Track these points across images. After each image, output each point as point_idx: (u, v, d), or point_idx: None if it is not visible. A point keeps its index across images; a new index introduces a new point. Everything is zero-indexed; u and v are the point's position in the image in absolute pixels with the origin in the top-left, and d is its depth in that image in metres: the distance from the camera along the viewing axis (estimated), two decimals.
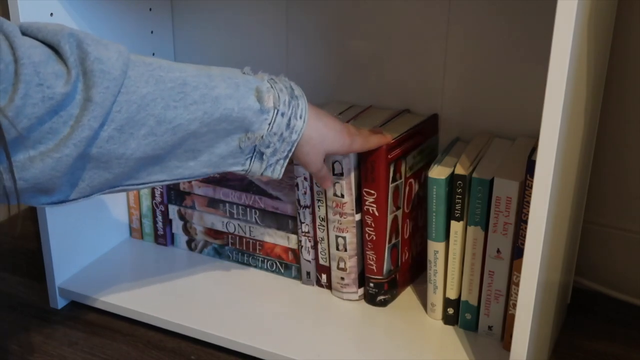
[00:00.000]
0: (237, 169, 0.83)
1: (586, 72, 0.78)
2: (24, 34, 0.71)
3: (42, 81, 0.68)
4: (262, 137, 0.81)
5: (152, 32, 1.16)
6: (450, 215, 0.91)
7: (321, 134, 0.85)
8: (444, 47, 1.03)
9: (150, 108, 0.75)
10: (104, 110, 0.71)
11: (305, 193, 0.99)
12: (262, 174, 0.84)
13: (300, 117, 0.82)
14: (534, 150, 0.86)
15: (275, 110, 0.80)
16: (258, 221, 1.06)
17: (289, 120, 0.81)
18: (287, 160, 0.84)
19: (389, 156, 0.93)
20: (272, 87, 0.82)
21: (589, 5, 0.70)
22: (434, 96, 1.05)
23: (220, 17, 1.16)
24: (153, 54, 1.17)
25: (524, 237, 0.74)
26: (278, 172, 0.84)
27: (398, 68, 1.07)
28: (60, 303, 1.05)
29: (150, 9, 1.14)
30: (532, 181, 0.72)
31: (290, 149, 0.83)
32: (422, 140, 1.01)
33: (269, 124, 0.80)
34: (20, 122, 0.67)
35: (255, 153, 0.82)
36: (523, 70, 0.99)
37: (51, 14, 0.96)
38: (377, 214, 0.95)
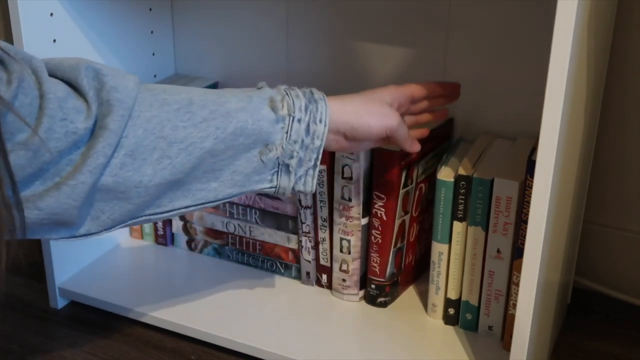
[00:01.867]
0: (264, 186, 0.79)
1: (586, 72, 0.78)
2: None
3: (65, 116, 0.68)
4: (282, 147, 0.77)
5: (152, 32, 1.16)
6: (453, 216, 0.91)
7: (354, 106, 0.80)
8: (445, 48, 1.03)
9: (157, 131, 0.73)
10: (117, 137, 0.71)
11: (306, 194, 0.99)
12: (293, 188, 0.80)
13: (321, 121, 0.78)
14: (534, 150, 0.86)
15: (291, 117, 0.77)
16: (258, 221, 1.06)
17: (308, 125, 0.78)
18: (317, 169, 0.80)
19: (402, 162, 0.93)
20: (287, 94, 0.78)
21: (589, 5, 0.70)
22: None
23: (220, 17, 1.16)
24: (153, 54, 1.17)
25: (524, 237, 0.74)
26: (310, 184, 0.80)
27: (398, 68, 1.07)
28: (60, 303, 1.05)
29: (150, 9, 1.14)
30: (532, 181, 0.72)
31: (317, 157, 0.79)
32: (436, 144, 1.01)
33: (287, 132, 0.77)
34: (43, 155, 0.67)
35: (280, 167, 0.78)
36: (523, 71, 0.99)
37: (51, 14, 0.96)
38: (385, 218, 0.95)
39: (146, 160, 0.73)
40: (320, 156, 0.79)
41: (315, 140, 0.78)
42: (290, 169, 0.78)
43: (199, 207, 0.78)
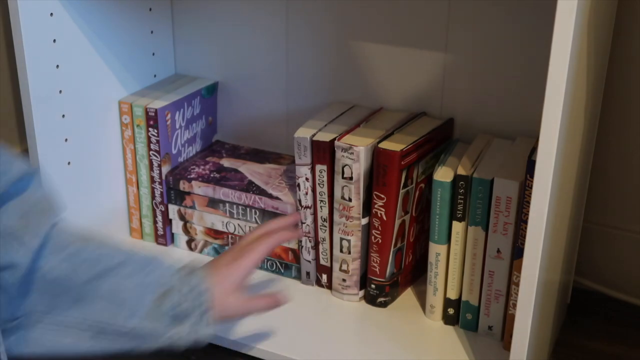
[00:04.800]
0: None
1: (586, 72, 0.78)
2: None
3: None
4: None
5: (152, 32, 1.16)
6: (452, 216, 0.91)
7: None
8: (444, 48, 1.03)
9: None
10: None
11: (306, 193, 0.99)
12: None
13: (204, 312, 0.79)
14: (534, 150, 0.86)
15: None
16: (258, 221, 1.06)
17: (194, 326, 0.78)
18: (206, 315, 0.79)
19: (402, 162, 0.93)
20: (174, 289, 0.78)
21: (589, 5, 0.70)
22: (434, 97, 1.05)
23: (220, 17, 1.16)
24: (153, 54, 1.17)
25: (524, 237, 0.74)
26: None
27: (397, 68, 1.07)
28: None
29: (150, 9, 1.14)
30: (532, 181, 0.72)
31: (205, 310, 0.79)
32: (436, 145, 1.01)
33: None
34: None
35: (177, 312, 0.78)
36: (523, 71, 0.99)
37: (51, 14, 0.96)
38: (385, 218, 0.95)
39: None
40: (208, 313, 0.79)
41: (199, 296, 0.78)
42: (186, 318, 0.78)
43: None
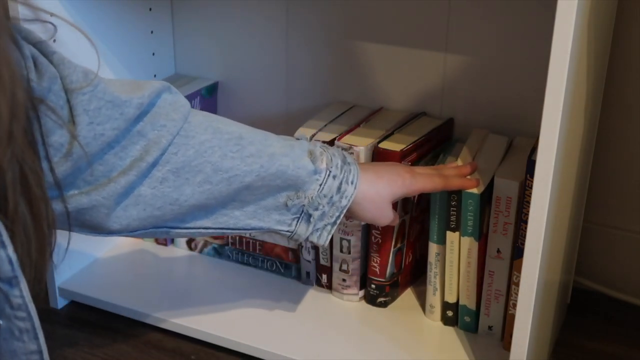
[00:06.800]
0: (282, 228, 0.82)
1: (586, 72, 0.78)
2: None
3: (92, 119, 0.70)
4: (311, 198, 0.80)
5: (152, 32, 1.16)
6: (446, 226, 0.91)
7: (376, 189, 0.84)
8: (444, 48, 1.03)
9: (207, 155, 0.76)
10: (159, 148, 0.73)
11: None
12: (307, 238, 0.83)
13: (352, 183, 0.81)
14: (534, 150, 0.86)
15: (328, 172, 0.81)
16: None
17: (340, 183, 0.81)
18: (335, 227, 0.83)
19: (402, 162, 0.92)
20: (325, 150, 0.82)
21: (589, 5, 0.70)
22: (434, 97, 1.05)
23: (220, 17, 1.16)
24: (153, 54, 1.17)
25: (524, 237, 0.74)
26: (324, 238, 0.83)
27: (397, 68, 1.07)
28: (60, 303, 1.05)
29: (150, 9, 1.14)
30: (532, 181, 0.72)
31: (339, 215, 0.82)
32: (436, 145, 1.01)
33: (320, 185, 0.80)
34: (80, 158, 0.69)
35: (302, 214, 0.81)
36: (523, 71, 0.99)
37: (51, 14, 0.96)
38: None
39: (189, 181, 0.76)
40: (342, 215, 0.82)
41: (343, 199, 0.81)
42: (312, 219, 0.81)
43: (217, 231, 0.81)
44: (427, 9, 1.02)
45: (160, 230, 0.79)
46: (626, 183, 1.02)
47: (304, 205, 0.81)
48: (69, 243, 0.70)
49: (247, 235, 1.06)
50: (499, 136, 0.97)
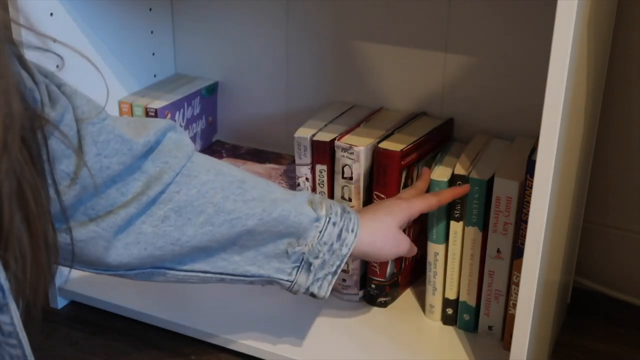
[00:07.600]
0: (282, 277, 0.82)
1: (586, 72, 0.78)
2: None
3: (99, 151, 0.70)
4: (312, 245, 0.80)
5: (152, 32, 1.16)
6: (450, 216, 0.91)
7: (380, 223, 0.85)
8: (444, 48, 1.03)
9: (210, 196, 0.76)
10: (161, 184, 0.73)
11: None
12: (307, 288, 0.82)
13: (352, 231, 0.81)
14: (534, 150, 0.86)
15: (327, 218, 0.80)
16: None
17: (341, 231, 0.81)
18: (336, 277, 0.82)
19: (402, 162, 0.93)
20: (324, 199, 0.83)
21: (589, 5, 0.70)
22: (434, 96, 1.05)
23: (220, 17, 1.16)
24: (153, 54, 1.17)
25: (524, 237, 0.74)
26: (325, 289, 0.83)
27: (397, 68, 1.07)
28: (60, 303, 1.05)
29: (150, 9, 1.14)
30: (532, 181, 0.72)
31: (340, 264, 0.82)
32: (436, 145, 1.01)
33: (320, 232, 0.80)
34: (87, 186, 0.69)
35: (302, 263, 0.81)
36: (523, 71, 0.99)
37: (51, 14, 0.96)
38: None
39: (190, 221, 0.76)
40: (342, 265, 0.82)
41: (343, 247, 0.81)
42: (312, 268, 0.81)
43: (215, 276, 0.81)
44: (427, 9, 1.02)
45: (158, 271, 0.79)
46: (626, 183, 1.02)
47: (304, 253, 0.80)
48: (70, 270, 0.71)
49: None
50: (502, 140, 0.98)
